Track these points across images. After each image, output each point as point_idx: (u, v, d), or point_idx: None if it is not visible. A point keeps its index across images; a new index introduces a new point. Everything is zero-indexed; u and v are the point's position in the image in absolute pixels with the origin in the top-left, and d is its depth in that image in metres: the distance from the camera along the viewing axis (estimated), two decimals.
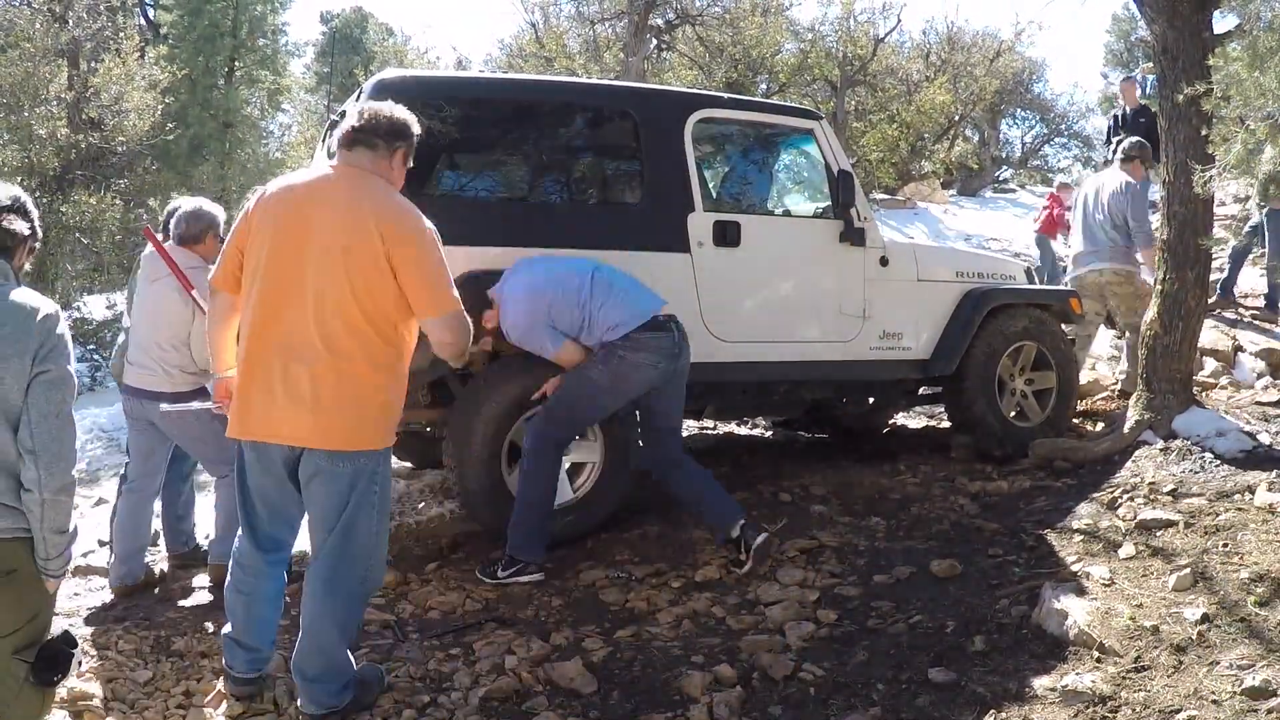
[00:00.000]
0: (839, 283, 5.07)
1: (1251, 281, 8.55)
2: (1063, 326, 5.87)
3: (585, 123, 4.87)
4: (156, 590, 4.26)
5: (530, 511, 4.03)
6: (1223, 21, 5.01)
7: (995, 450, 5.38)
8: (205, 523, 4.65)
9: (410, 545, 4.53)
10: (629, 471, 4.46)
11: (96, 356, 9.45)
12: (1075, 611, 3.16)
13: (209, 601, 4.12)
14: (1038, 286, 6.17)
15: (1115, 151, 8.85)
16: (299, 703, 3.01)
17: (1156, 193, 5.92)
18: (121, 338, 4.61)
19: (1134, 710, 2.68)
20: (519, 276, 4.07)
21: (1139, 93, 9.13)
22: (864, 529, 4.48)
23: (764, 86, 17.20)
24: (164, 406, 4.09)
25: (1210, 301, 7.54)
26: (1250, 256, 8.39)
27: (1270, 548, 3.48)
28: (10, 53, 9.37)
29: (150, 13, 16.28)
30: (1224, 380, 6.38)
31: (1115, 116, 9.17)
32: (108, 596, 4.21)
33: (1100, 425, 5.87)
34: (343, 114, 4.66)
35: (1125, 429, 5.10)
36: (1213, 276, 6.36)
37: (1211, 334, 6.70)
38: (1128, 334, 6.30)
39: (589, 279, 4.03)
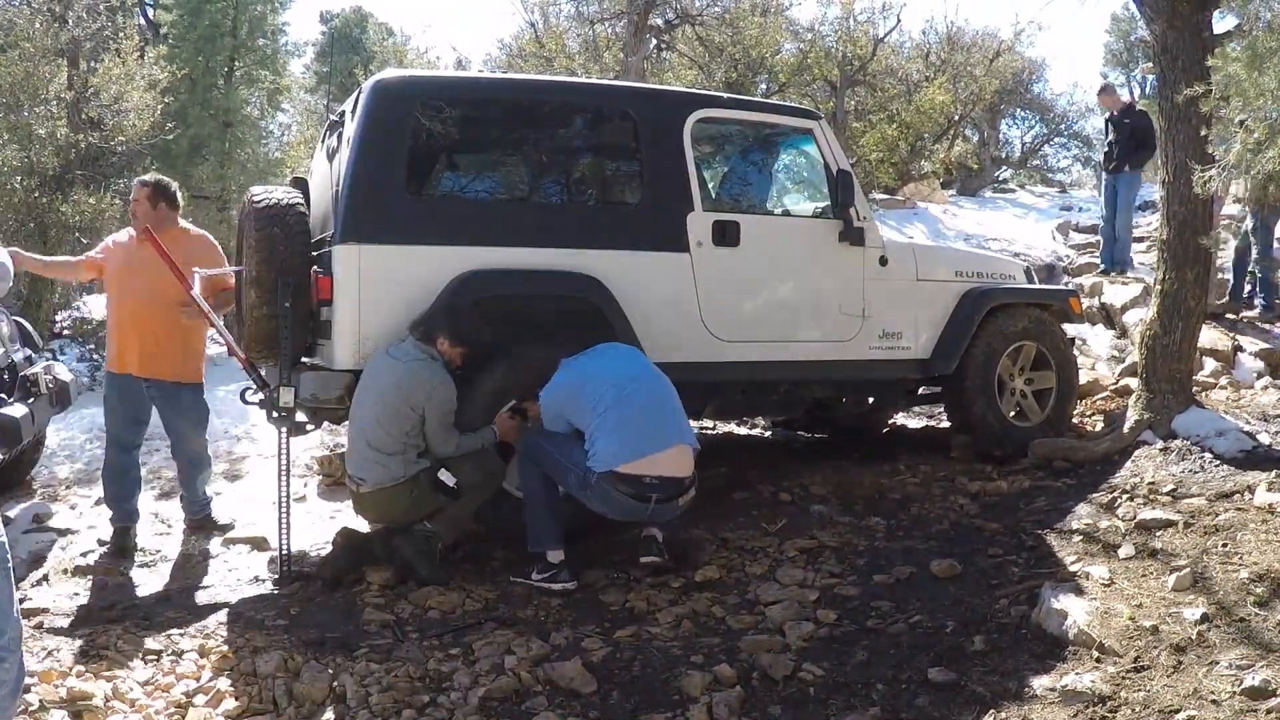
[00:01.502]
0: (838, 282, 5.07)
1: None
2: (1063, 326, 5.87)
3: (585, 123, 4.87)
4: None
5: (533, 505, 4.08)
6: (1222, 22, 5.02)
7: (995, 450, 5.38)
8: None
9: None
10: None
11: (96, 356, 9.44)
12: (1075, 611, 3.17)
13: (209, 602, 4.13)
14: (1037, 286, 6.18)
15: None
16: None
17: (1156, 193, 5.91)
18: None
19: (1134, 710, 2.68)
20: (571, 363, 4.07)
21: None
22: (864, 529, 4.48)
23: (764, 86, 17.17)
24: None
25: (1248, 315, 7.52)
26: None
27: (1270, 548, 3.48)
28: (10, 53, 9.36)
29: (150, 13, 16.28)
30: (1224, 380, 6.37)
31: (1107, 121, 9.23)
32: (107, 596, 4.21)
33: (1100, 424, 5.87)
34: (342, 114, 4.68)
35: (1125, 429, 5.10)
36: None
37: (1211, 334, 6.69)
38: None
39: (616, 398, 3.87)
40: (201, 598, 4.18)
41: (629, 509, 3.90)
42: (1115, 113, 8.96)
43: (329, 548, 4.78)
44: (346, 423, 5.81)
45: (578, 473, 3.91)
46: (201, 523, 5.09)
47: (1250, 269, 7.68)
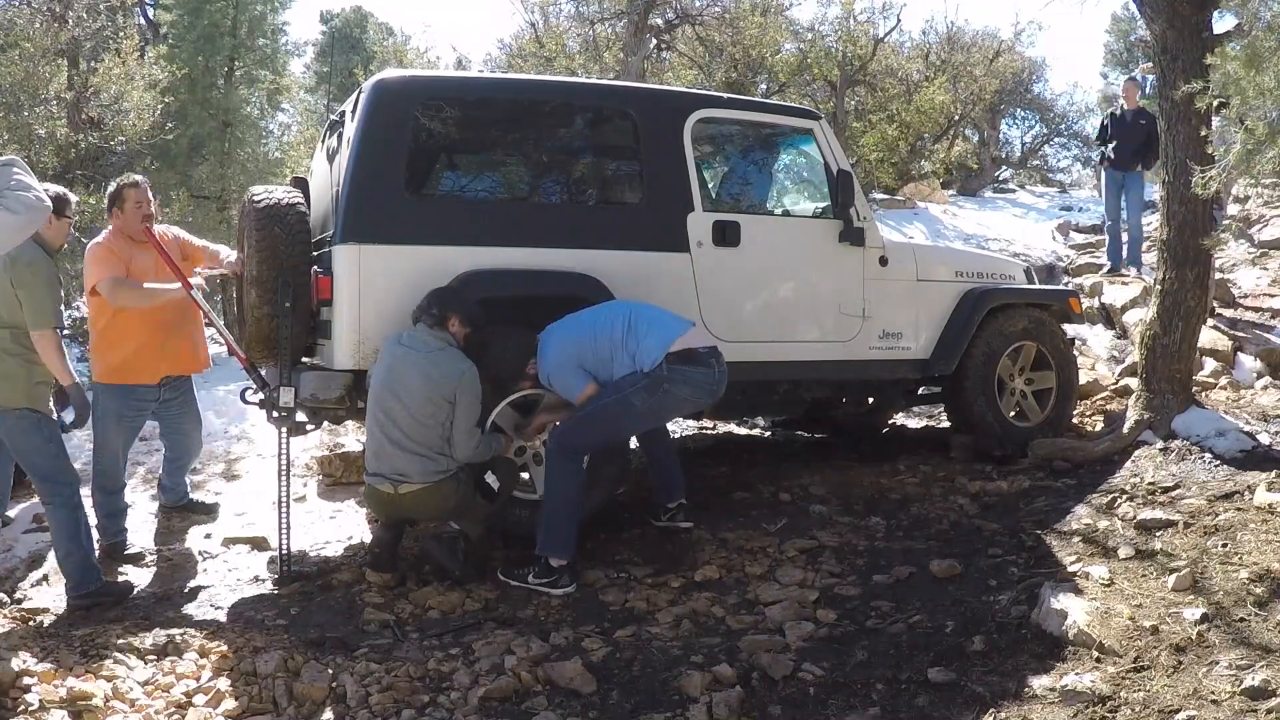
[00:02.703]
0: (838, 282, 5.07)
1: (1250, 280, 8.55)
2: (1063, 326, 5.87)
3: (585, 123, 4.87)
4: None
5: (557, 511, 4.01)
6: (1222, 21, 5.03)
7: (995, 450, 5.39)
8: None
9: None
10: (600, 480, 4.37)
11: None
12: (1074, 611, 3.17)
13: (209, 602, 4.13)
14: (1037, 286, 6.18)
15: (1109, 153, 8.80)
16: None
17: (1156, 193, 5.91)
18: None
19: (1133, 710, 2.68)
20: (557, 327, 4.12)
21: (1139, 94, 9.06)
22: (864, 529, 4.48)
23: (764, 86, 17.17)
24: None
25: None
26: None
27: (1269, 548, 3.48)
28: (10, 53, 9.35)
29: (150, 12, 16.26)
30: (1224, 380, 6.37)
31: (1112, 114, 9.05)
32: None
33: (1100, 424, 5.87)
34: (341, 114, 4.68)
35: (1125, 429, 5.10)
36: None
37: (1211, 334, 6.69)
38: None
39: (624, 323, 4.04)
40: (201, 597, 4.18)
41: (705, 380, 4.05)
42: (1129, 111, 8.80)
43: (328, 547, 4.79)
44: (348, 422, 5.86)
45: (641, 390, 3.95)
46: (189, 507, 5.17)
47: None
